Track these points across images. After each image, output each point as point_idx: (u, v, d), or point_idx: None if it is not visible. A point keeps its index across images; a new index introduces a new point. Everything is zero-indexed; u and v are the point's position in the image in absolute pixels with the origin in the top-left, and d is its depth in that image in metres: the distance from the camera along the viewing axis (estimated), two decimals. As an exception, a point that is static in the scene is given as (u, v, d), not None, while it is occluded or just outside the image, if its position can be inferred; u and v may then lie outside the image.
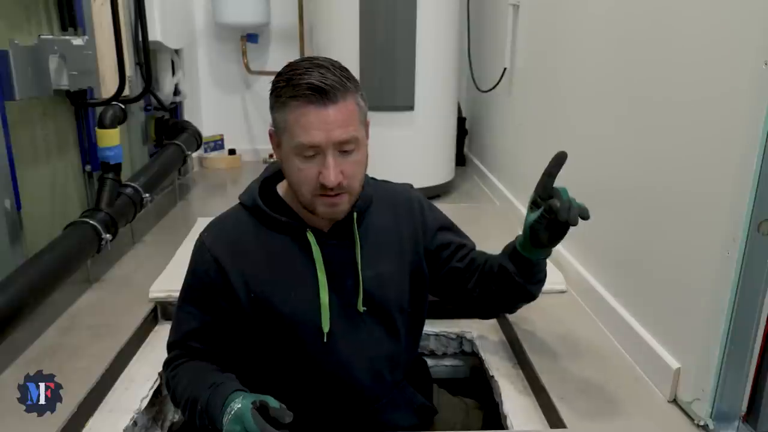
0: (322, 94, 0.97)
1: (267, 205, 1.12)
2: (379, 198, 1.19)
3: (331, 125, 0.98)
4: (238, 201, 1.17)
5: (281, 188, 1.16)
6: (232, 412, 0.94)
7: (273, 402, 0.94)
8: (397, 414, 1.22)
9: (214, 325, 1.12)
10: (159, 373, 1.59)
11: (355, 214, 1.12)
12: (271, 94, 1.04)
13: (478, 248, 1.31)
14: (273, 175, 1.18)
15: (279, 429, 0.91)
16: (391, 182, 1.27)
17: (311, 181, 1.01)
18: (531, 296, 1.23)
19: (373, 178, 1.22)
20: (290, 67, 1.02)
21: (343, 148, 1.01)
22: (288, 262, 1.10)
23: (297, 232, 1.10)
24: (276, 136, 1.06)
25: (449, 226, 1.27)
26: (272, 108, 1.04)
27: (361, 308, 1.13)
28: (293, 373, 1.14)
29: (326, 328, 1.10)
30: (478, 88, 3.30)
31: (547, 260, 2.15)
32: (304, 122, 0.98)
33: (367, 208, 1.16)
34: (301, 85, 0.97)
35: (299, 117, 0.98)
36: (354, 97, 1.03)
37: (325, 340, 1.11)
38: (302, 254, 1.10)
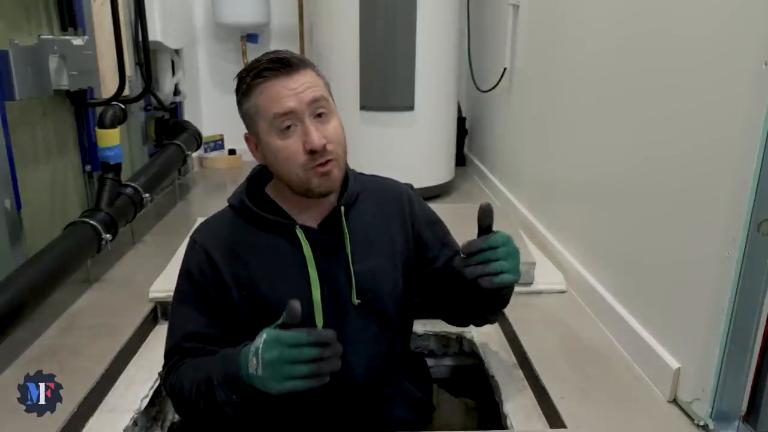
0: (284, 64, 1.01)
1: (255, 204, 1.12)
2: (366, 192, 1.19)
3: (299, 88, 1.01)
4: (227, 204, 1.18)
5: (270, 187, 1.16)
6: (260, 344, 0.90)
7: (279, 319, 0.92)
8: (394, 409, 1.22)
9: (212, 325, 1.11)
10: (159, 373, 1.59)
11: (342, 207, 1.12)
12: (236, 91, 1.07)
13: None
14: (259, 173, 1.18)
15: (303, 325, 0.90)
16: (378, 176, 1.27)
17: (298, 154, 1.02)
18: (493, 311, 1.22)
19: (360, 173, 1.22)
20: (250, 63, 1.07)
21: (317, 110, 1.03)
22: (278, 260, 1.10)
23: (286, 229, 1.10)
24: (251, 131, 1.08)
25: (436, 222, 1.27)
26: (240, 103, 1.06)
27: (356, 301, 1.12)
28: None
29: (320, 324, 1.10)
30: (478, 88, 3.30)
31: (548, 260, 2.13)
32: (273, 94, 1.01)
33: (354, 202, 1.16)
34: (262, 64, 1.02)
35: (268, 91, 1.01)
36: (314, 69, 1.07)
37: None
38: (292, 251, 1.10)
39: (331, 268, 1.11)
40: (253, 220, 1.12)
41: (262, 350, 0.90)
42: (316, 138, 1.00)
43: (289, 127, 1.01)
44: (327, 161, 1.03)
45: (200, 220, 1.31)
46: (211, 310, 1.11)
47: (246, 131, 1.10)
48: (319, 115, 1.03)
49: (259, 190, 1.16)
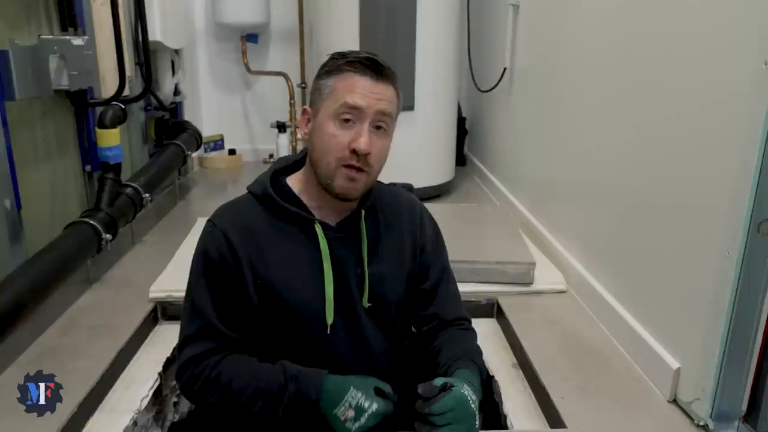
0: (377, 71, 1.05)
1: (278, 195, 1.13)
2: (383, 199, 1.22)
3: (377, 95, 1.05)
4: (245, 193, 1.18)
5: (292, 181, 1.18)
6: (369, 408, 1.02)
7: (384, 385, 1.07)
8: (397, 411, 1.22)
9: (231, 308, 1.10)
10: (159, 373, 1.60)
11: (363, 210, 1.14)
12: (323, 66, 1.10)
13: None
14: (283, 168, 1.20)
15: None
16: (395, 186, 1.31)
17: (341, 147, 1.05)
18: None
19: (378, 181, 1.24)
20: (345, 51, 1.10)
21: (379, 123, 1.07)
22: (295, 252, 1.12)
23: (305, 223, 1.12)
24: (314, 106, 1.10)
25: (439, 242, 1.29)
26: (319, 77, 1.09)
27: (367, 304, 1.15)
28: (295, 362, 1.14)
29: (330, 320, 1.12)
30: (478, 88, 3.30)
31: (548, 260, 2.13)
32: (353, 85, 1.05)
33: (373, 207, 1.19)
34: (361, 57, 1.06)
35: (350, 81, 1.05)
36: (398, 88, 1.12)
37: (328, 332, 1.12)
38: (309, 246, 1.12)
39: (345, 267, 1.14)
40: (273, 210, 1.13)
41: (367, 417, 1.02)
42: (365, 143, 1.04)
43: (348, 120, 1.05)
44: (361, 170, 1.06)
45: (200, 220, 1.31)
46: (229, 292, 1.10)
47: (307, 105, 1.14)
48: (378, 128, 1.07)
49: (282, 181, 1.18)
